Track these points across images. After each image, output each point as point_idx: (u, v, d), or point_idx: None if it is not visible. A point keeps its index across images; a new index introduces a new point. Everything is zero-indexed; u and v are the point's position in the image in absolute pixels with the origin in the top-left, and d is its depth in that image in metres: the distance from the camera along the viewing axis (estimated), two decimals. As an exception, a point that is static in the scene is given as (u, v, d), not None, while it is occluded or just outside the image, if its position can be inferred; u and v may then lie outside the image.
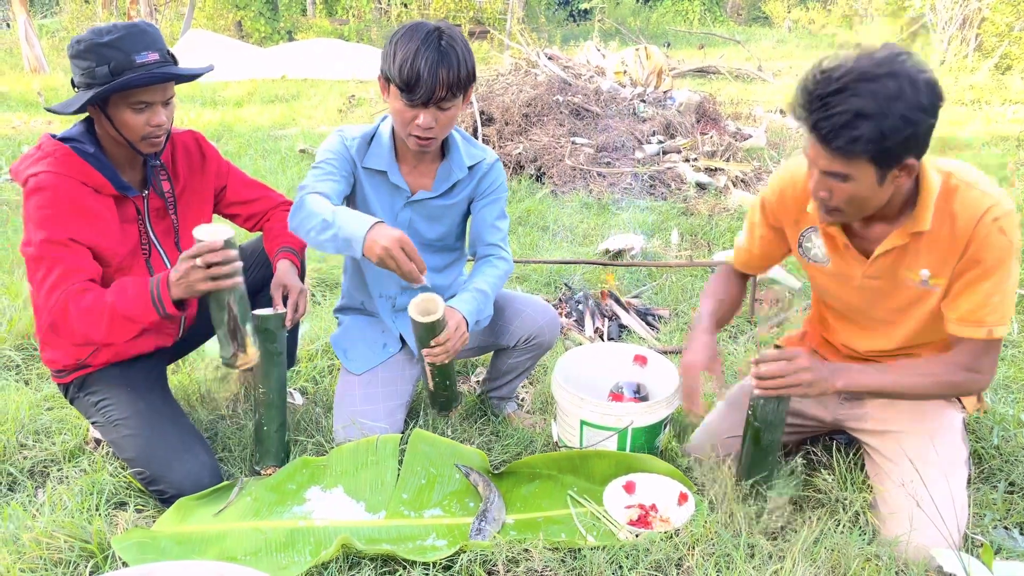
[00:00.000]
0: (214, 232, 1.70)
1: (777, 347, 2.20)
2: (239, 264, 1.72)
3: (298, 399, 2.50)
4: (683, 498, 1.88)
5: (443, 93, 1.87)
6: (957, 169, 1.65)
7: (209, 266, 1.67)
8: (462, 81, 1.89)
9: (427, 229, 2.19)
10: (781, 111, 7.88)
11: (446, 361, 2.01)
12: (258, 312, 1.96)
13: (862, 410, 1.96)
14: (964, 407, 1.96)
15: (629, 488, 1.94)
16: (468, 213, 2.25)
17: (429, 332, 1.94)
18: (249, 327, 1.82)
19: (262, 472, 2.05)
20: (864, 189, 1.54)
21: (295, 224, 1.90)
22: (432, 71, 1.83)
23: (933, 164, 1.65)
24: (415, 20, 1.93)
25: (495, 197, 2.20)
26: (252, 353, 1.83)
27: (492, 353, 2.42)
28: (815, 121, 1.47)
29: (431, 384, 2.12)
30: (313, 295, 3.44)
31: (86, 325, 1.78)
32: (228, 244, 1.69)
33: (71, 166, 1.82)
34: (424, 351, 1.99)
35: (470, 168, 2.14)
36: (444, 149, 2.13)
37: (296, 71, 11.16)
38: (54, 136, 1.88)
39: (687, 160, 5.58)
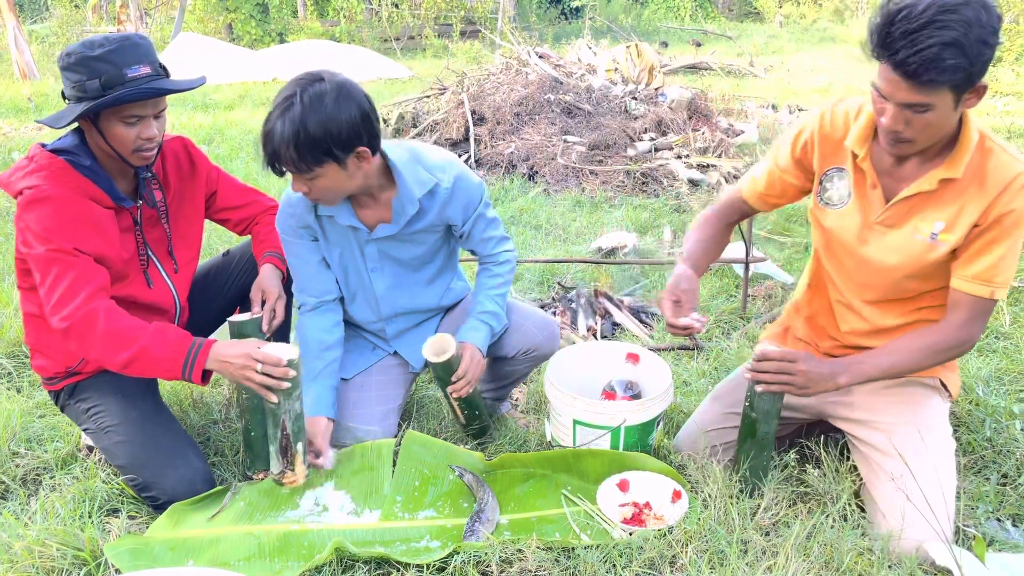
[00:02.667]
0: (283, 350, 1.81)
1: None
2: (293, 385, 1.82)
3: (291, 402, 2.49)
4: (676, 495, 1.88)
5: (282, 167, 1.78)
6: (994, 136, 1.71)
7: (266, 375, 1.78)
8: (301, 155, 1.74)
9: (401, 253, 2.11)
10: (773, 106, 7.88)
11: (469, 391, 2.07)
12: (235, 318, 1.96)
13: (849, 398, 1.97)
14: (951, 394, 1.97)
15: (623, 486, 1.94)
16: (444, 229, 2.13)
17: (446, 370, 2.03)
18: (300, 446, 1.90)
19: (254, 477, 2.04)
20: (942, 116, 1.58)
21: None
22: (267, 141, 1.75)
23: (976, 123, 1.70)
24: (304, 73, 1.80)
25: (474, 217, 2.08)
26: (300, 472, 1.91)
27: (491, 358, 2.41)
28: (903, 58, 1.48)
29: (462, 419, 2.20)
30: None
31: (107, 347, 1.78)
32: (291, 364, 1.80)
33: (69, 179, 1.81)
34: (449, 388, 2.06)
35: (426, 194, 2.00)
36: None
37: (287, 73, 11.10)
38: (45, 146, 1.86)
39: (679, 157, 5.58)
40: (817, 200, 1.92)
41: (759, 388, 1.80)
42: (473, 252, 2.22)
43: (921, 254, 1.77)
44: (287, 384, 1.80)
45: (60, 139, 1.88)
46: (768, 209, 2.06)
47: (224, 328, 2.38)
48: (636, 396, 2.21)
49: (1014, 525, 1.90)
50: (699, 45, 13.13)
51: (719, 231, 2.08)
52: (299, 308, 2.15)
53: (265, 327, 2.03)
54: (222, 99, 9.27)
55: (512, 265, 2.22)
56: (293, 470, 1.90)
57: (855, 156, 1.80)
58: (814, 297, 2.07)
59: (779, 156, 1.96)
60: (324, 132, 1.74)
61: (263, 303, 2.07)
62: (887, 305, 1.89)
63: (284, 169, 1.79)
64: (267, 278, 2.08)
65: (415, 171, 1.98)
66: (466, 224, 2.09)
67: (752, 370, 1.80)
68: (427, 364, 2.06)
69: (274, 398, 1.81)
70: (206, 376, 1.85)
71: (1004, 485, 2.04)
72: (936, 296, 1.84)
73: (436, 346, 2.03)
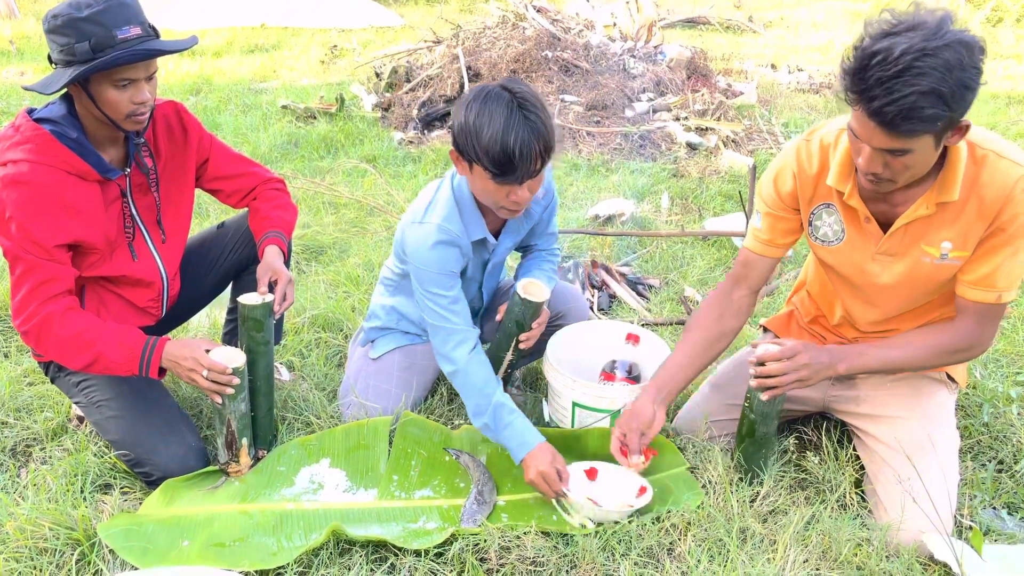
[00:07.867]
0: (229, 357, 1.85)
1: (764, 330, 2.18)
2: (237, 389, 1.87)
3: (285, 375, 2.46)
4: (642, 491, 1.84)
5: (538, 165, 1.74)
6: (984, 139, 1.61)
7: (211, 380, 1.83)
8: (553, 143, 1.75)
9: (502, 256, 2.19)
10: (772, 65, 7.76)
11: (530, 346, 2.10)
12: (246, 301, 1.92)
13: (855, 392, 1.95)
14: (957, 384, 1.96)
15: (591, 474, 1.93)
16: None
17: (535, 314, 2.05)
18: (245, 441, 1.96)
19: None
20: (922, 158, 1.50)
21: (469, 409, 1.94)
22: (526, 150, 1.69)
23: None
24: (481, 86, 1.76)
25: (551, 212, 2.17)
26: (244, 464, 1.98)
27: None
28: (879, 107, 1.39)
29: (504, 371, 2.16)
30: (297, 262, 3.38)
31: (63, 352, 1.82)
32: (235, 372, 1.84)
33: (53, 154, 1.73)
34: (523, 335, 2.07)
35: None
36: None
37: (276, 19, 10.84)
38: (31, 113, 1.78)
39: (677, 119, 5.49)
40: (810, 239, 1.85)
41: (764, 396, 1.76)
42: (525, 248, 2.28)
43: (933, 275, 1.72)
44: (231, 390, 1.84)
45: (47, 106, 1.80)
46: (782, 253, 1.93)
47: (224, 297, 2.34)
48: (636, 378, 2.19)
49: (1010, 514, 1.91)
50: (738, 7, 12.14)
51: (711, 335, 1.94)
52: (457, 344, 1.91)
53: (277, 308, 1.98)
54: (209, 46, 9.01)
55: (556, 264, 2.29)
56: (238, 461, 1.96)
57: (841, 194, 1.72)
58: (821, 289, 2.03)
59: (766, 200, 1.86)
60: (549, 114, 1.78)
61: (270, 285, 2.01)
62: (897, 318, 1.87)
63: (535, 169, 1.74)
64: (275, 260, 2.02)
65: None
66: (543, 215, 2.15)
67: (756, 376, 1.75)
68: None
69: (219, 399, 1.86)
70: (163, 371, 1.89)
71: (1000, 472, 2.04)
72: (948, 296, 1.80)
73: (531, 288, 2.04)
